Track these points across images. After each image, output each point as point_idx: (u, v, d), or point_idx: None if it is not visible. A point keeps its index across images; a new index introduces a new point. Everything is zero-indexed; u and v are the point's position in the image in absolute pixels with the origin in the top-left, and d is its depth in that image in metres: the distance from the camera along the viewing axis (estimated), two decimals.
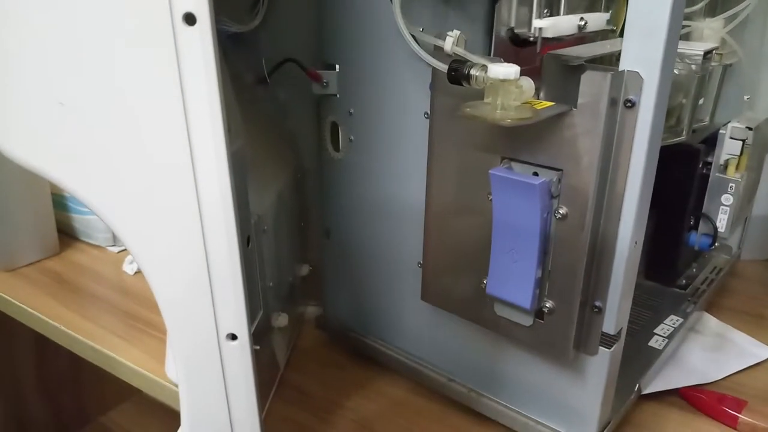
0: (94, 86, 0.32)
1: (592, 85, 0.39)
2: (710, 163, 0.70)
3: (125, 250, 0.84)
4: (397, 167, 0.53)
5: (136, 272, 0.79)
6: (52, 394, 1.20)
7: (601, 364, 0.47)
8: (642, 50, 0.39)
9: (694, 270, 0.77)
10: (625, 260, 0.43)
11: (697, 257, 0.79)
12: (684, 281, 0.74)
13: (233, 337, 0.37)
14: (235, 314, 0.36)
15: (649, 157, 0.41)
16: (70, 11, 0.31)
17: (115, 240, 0.85)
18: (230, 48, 0.56)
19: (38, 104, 0.33)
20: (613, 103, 0.39)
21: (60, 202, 0.85)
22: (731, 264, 0.79)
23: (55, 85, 0.32)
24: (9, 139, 0.33)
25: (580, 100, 0.40)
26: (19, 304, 0.72)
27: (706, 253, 0.80)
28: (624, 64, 0.39)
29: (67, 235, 0.87)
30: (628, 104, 0.40)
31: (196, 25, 0.31)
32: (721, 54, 0.65)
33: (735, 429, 0.55)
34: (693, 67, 0.51)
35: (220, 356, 0.37)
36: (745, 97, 0.68)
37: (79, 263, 0.82)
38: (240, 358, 0.37)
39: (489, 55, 0.50)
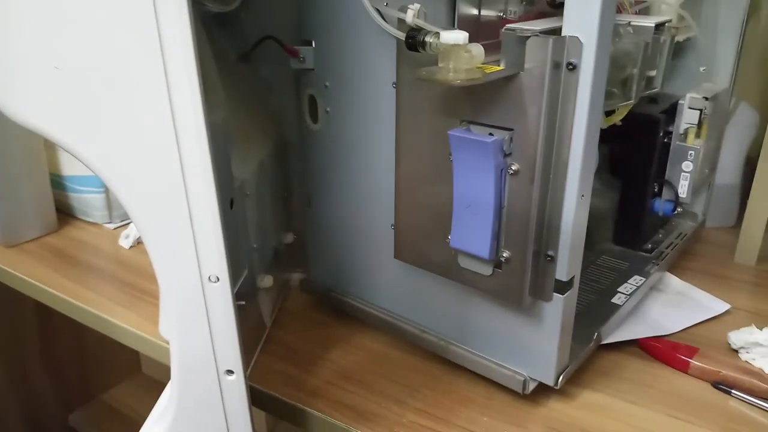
0: (85, 54, 0.37)
1: (537, 50, 0.43)
2: (671, 132, 0.74)
3: (121, 226, 0.89)
4: (370, 135, 0.58)
5: (131, 246, 0.83)
6: (56, 371, 1.24)
7: (555, 309, 0.51)
8: (580, 17, 0.43)
9: (661, 236, 0.81)
10: (573, 212, 0.48)
11: (665, 224, 0.84)
12: (650, 246, 0.78)
13: (216, 279, 0.41)
14: (216, 258, 0.40)
15: (591, 115, 0.45)
16: None
17: (111, 217, 0.89)
18: (213, 27, 0.60)
19: (37, 68, 0.37)
20: (556, 66, 0.44)
21: (58, 182, 0.89)
22: (696, 230, 0.84)
23: (52, 51, 0.37)
24: (10, 99, 0.38)
25: (526, 65, 0.44)
26: (22, 276, 0.77)
27: (673, 220, 0.85)
28: (566, 30, 0.44)
29: (65, 213, 0.91)
30: (570, 67, 0.44)
31: None
32: (677, 27, 0.69)
33: (687, 373, 0.59)
34: (641, 37, 0.55)
35: (204, 297, 0.41)
36: (701, 69, 0.73)
37: (78, 239, 0.86)
38: (222, 298, 0.41)
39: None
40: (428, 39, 0.45)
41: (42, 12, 0.36)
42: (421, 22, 0.47)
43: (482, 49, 0.44)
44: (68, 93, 0.38)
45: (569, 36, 0.43)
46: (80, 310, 0.71)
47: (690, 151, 0.74)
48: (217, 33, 0.60)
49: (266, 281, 0.62)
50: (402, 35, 0.47)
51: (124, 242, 0.84)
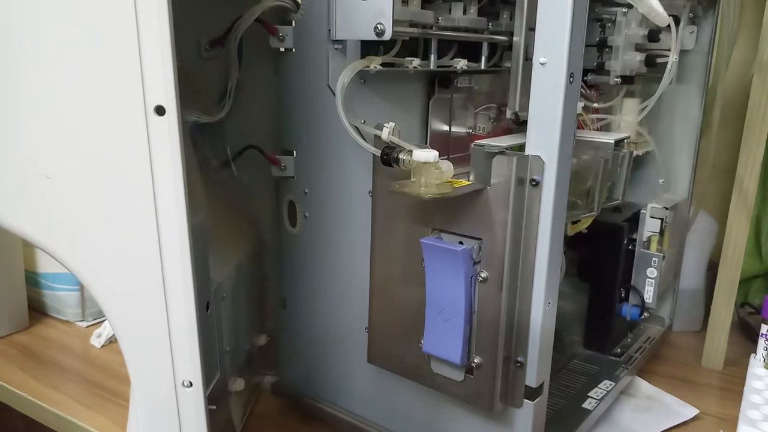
0: (76, 165, 0.39)
1: (502, 167, 0.46)
2: (635, 240, 0.78)
3: (93, 324, 0.88)
4: (346, 240, 0.60)
5: (103, 345, 0.82)
6: None
7: (526, 416, 0.52)
8: (542, 138, 0.46)
9: (630, 339, 0.83)
10: (540, 319, 0.49)
11: (633, 328, 0.86)
12: (619, 350, 0.80)
13: (189, 384, 0.41)
14: (191, 363, 0.41)
15: (554, 227, 0.48)
16: (61, 101, 0.38)
17: (83, 315, 0.89)
18: (199, 136, 0.63)
19: (28, 177, 0.39)
20: (520, 182, 0.47)
21: (32, 278, 0.89)
22: (663, 334, 0.86)
23: (45, 162, 0.39)
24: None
25: (492, 180, 0.47)
26: None
27: (641, 325, 0.87)
28: (529, 150, 0.47)
29: (37, 311, 0.90)
30: (533, 183, 0.47)
31: (165, 115, 0.37)
32: (636, 143, 0.74)
33: None
34: (600, 153, 0.60)
35: (177, 401, 0.41)
36: (660, 180, 0.77)
37: (48, 337, 0.85)
38: (194, 403, 0.42)
39: (426, 143, 0.58)
40: (401, 156, 0.48)
41: (37, 124, 0.39)
42: (395, 139, 0.50)
43: (451, 165, 0.47)
44: (56, 201, 0.39)
45: (532, 155, 0.47)
46: (41, 409, 0.70)
47: (653, 258, 0.77)
48: (202, 140, 0.63)
49: (238, 384, 0.62)
50: (377, 152, 0.50)
51: (96, 341, 0.83)
